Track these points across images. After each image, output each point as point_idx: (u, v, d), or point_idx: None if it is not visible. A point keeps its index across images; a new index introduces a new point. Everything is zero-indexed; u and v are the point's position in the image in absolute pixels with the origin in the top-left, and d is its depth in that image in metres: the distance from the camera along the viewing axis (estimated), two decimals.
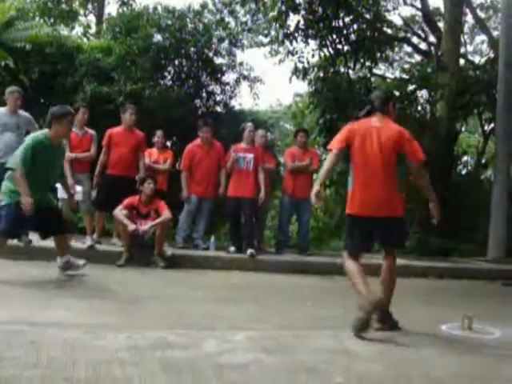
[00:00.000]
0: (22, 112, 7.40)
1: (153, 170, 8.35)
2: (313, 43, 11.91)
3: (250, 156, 8.34)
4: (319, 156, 10.11)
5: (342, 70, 12.25)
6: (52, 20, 17.50)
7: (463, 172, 14.67)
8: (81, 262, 6.18)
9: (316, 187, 4.54)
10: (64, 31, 12.84)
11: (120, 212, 7.32)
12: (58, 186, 7.41)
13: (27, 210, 5.55)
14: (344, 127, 4.67)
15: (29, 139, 5.92)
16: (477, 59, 18.97)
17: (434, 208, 4.57)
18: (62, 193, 7.40)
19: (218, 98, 11.80)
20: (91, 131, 7.74)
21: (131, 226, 7.19)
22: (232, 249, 8.22)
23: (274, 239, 9.88)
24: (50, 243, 7.40)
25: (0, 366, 2.86)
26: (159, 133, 8.76)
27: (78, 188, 7.35)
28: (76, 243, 7.41)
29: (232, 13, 13.97)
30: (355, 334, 4.09)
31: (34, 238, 7.46)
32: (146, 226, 7.31)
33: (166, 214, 7.40)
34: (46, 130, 5.94)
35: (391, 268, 4.53)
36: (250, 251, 7.91)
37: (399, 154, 4.43)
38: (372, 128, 4.47)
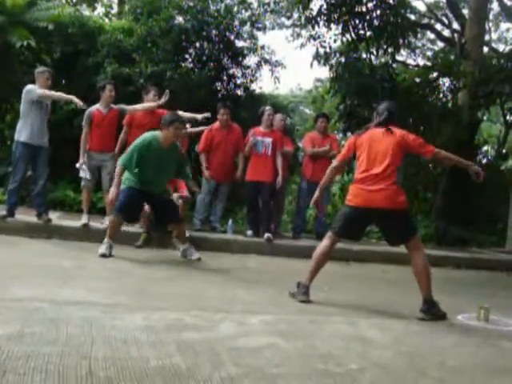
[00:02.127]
0: None
1: None
2: (335, 28, 11.80)
3: (269, 140, 8.31)
4: (338, 141, 10.08)
5: (364, 55, 12.15)
6: (74, 0, 17.49)
7: (483, 162, 14.52)
8: (196, 255, 6.73)
9: (317, 193, 5.32)
10: (86, 11, 12.82)
11: None
12: (82, 165, 7.48)
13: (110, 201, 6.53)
14: (348, 140, 5.36)
15: (138, 140, 6.49)
16: (501, 47, 18.76)
17: (474, 170, 4.93)
18: (83, 173, 7.46)
19: (239, 82, 11.73)
20: (116, 107, 7.67)
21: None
22: (249, 232, 8.24)
23: (291, 224, 9.87)
24: (67, 222, 7.51)
25: (20, 341, 2.91)
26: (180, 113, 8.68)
27: (84, 166, 7.40)
28: (95, 223, 7.48)
29: None
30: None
31: (54, 216, 7.56)
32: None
33: (186, 192, 7.47)
34: (157, 132, 6.48)
35: (419, 259, 4.78)
36: (266, 235, 7.93)
37: (406, 152, 4.94)
38: (378, 133, 4.94)
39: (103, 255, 6.22)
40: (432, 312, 4.59)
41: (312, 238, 8.97)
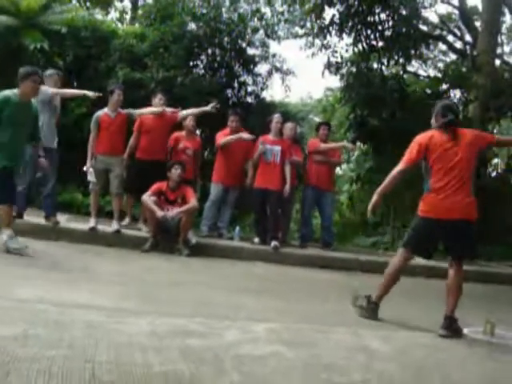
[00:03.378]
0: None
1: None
2: (347, 38, 11.83)
3: (278, 148, 8.31)
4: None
5: (375, 66, 12.16)
6: (88, 4, 17.59)
7: (493, 174, 14.45)
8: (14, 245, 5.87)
9: (375, 197, 4.84)
10: (99, 15, 12.88)
11: (148, 198, 7.37)
12: (88, 169, 7.51)
13: None
14: (415, 141, 4.77)
15: None
16: None
17: None
18: (90, 176, 7.49)
19: (250, 89, 11.76)
20: (124, 111, 7.72)
21: (159, 213, 7.24)
22: (256, 240, 8.23)
23: (298, 232, 9.86)
24: (75, 225, 7.52)
25: (24, 343, 2.91)
26: (190, 116, 8.69)
27: (90, 169, 7.43)
28: (103, 227, 7.49)
29: (269, 2, 13.90)
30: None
31: (62, 218, 7.58)
32: (172, 212, 7.36)
33: (193, 201, 7.45)
34: (15, 89, 6.06)
35: (459, 276, 4.68)
36: (273, 243, 7.92)
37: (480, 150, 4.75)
38: (448, 137, 4.64)
39: (17, 249, 5.75)
40: (453, 328, 4.49)
41: (319, 246, 8.95)
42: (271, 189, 8.19)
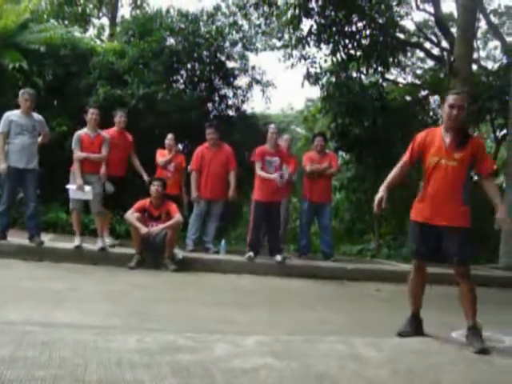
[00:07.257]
0: (35, 114, 7.45)
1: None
2: (325, 48, 11.93)
3: (277, 160, 8.20)
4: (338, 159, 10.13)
5: (355, 75, 12.27)
6: (66, 22, 17.57)
7: (474, 178, 14.57)
8: None
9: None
10: (77, 33, 12.84)
11: (132, 215, 7.37)
12: (70, 186, 7.49)
13: None
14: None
15: None
16: (490, 65, 18.92)
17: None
18: (73, 193, 7.45)
19: (230, 102, 11.80)
20: (104, 134, 7.76)
21: (143, 229, 7.23)
22: (251, 254, 7.96)
23: (289, 243, 9.85)
24: (60, 244, 7.48)
25: (12, 366, 2.88)
26: (170, 136, 8.77)
27: (87, 188, 7.39)
28: (88, 245, 7.45)
29: (245, 16, 13.97)
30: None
31: (46, 238, 7.54)
32: (156, 228, 7.35)
33: (177, 216, 7.44)
34: None
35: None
36: (278, 257, 7.90)
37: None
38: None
39: None
40: (415, 327, 4.57)
41: (308, 257, 8.95)
42: (274, 201, 8.15)
